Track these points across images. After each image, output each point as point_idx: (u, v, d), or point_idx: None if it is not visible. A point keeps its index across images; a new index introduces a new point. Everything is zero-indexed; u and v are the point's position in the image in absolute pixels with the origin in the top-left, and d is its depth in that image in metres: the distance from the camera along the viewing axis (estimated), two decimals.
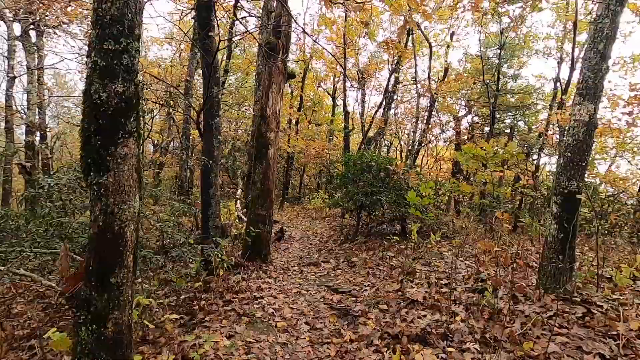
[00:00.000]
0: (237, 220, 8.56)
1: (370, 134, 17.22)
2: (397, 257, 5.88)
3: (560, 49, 15.24)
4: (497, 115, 18.45)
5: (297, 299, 4.56)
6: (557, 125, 12.68)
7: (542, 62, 44.63)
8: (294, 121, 18.26)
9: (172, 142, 20.41)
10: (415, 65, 13.35)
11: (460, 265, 5.04)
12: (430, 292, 4.13)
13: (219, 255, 4.63)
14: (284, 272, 5.73)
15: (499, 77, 13.73)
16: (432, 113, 13.45)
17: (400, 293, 4.27)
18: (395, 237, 5.86)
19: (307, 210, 13.88)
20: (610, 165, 14.25)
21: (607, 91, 10.37)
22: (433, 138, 18.85)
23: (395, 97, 19.06)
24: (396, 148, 20.25)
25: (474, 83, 18.63)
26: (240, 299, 4.39)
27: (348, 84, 20.85)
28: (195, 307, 4.19)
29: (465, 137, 18.97)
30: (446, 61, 16.04)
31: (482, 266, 4.74)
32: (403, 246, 5.82)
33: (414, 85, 16.91)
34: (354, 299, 4.45)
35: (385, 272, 5.23)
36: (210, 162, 5.41)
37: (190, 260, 4.54)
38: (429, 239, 5.42)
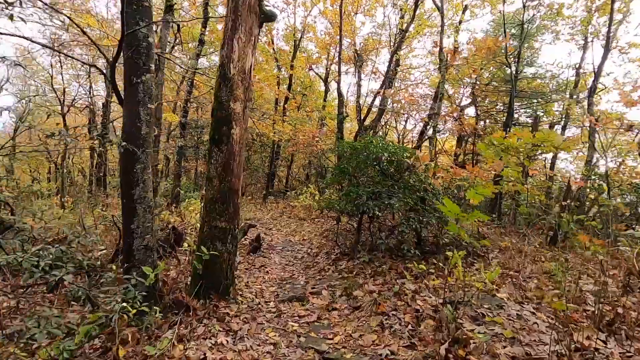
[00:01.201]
0: (198, 225, 6.53)
1: (366, 122, 15.32)
2: (421, 294, 3.98)
3: (585, 30, 13.49)
4: (503, 105, 16.72)
5: None
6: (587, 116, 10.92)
7: (553, 48, 42.44)
8: (281, 103, 16.09)
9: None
10: (442, 20, 11.13)
11: (531, 318, 3.16)
12: None
13: (129, 307, 2.63)
14: (251, 317, 3.76)
15: (519, 58, 11.82)
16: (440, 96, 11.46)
17: None
18: (421, 266, 3.95)
19: (293, 207, 11.91)
20: None
21: None
22: (431, 129, 17.00)
23: (393, 82, 17.17)
24: (401, 137, 18.34)
25: (481, 69, 16.85)
26: None
27: (343, 68, 18.79)
28: None
29: (468, 129, 17.15)
30: (456, 41, 14.15)
31: (574, 325, 2.87)
32: (434, 279, 3.94)
33: (432, 53, 14.90)
34: None
35: (411, 326, 3.32)
36: (134, 146, 3.36)
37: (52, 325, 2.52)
38: (474, 272, 3.53)
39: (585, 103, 14.87)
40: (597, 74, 10.75)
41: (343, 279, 4.89)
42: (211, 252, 3.74)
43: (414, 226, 4.86)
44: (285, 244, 7.47)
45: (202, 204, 3.99)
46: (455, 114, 15.99)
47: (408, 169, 5.53)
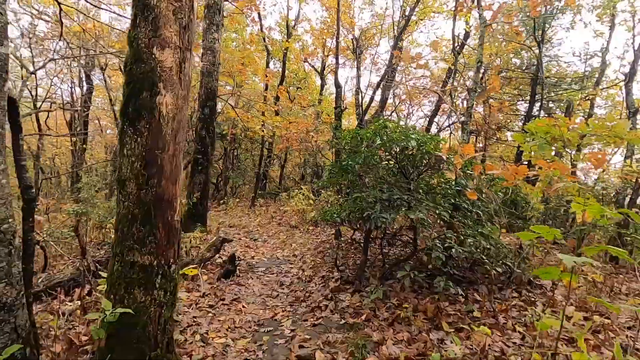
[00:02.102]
0: None
1: (366, 117, 13.85)
2: None
3: (613, 8, 12.05)
4: (513, 96, 15.25)
5: None
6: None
7: (568, 36, 39.40)
8: (271, 94, 14.43)
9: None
10: None
11: None
12: None
13: None
14: None
15: (543, 37, 10.27)
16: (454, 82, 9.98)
17: None
18: (484, 328, 2.39)
19: (284, 212, 10.31)
20: None
21: None
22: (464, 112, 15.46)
23: (395, 74, 15.72)
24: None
25: (490, 56, 15.46)
26: None
27: (341, 60, 17.26)
28: None
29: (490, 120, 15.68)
30: (467, 23, 12.64)
31: None
32: (489, 332, 2.38)
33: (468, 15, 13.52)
34: None
35: None
36: None
37: None
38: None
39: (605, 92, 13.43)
40: (637, 56, 9.29)
41: (348, 328, 3.31)
42: (122, 310, 2.15)
43: (453, 250, 3.29)
44: (271, 263, 5.88)
45: (114, 225, 2.39)
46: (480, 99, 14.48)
47: (436, 164, 3.97)
